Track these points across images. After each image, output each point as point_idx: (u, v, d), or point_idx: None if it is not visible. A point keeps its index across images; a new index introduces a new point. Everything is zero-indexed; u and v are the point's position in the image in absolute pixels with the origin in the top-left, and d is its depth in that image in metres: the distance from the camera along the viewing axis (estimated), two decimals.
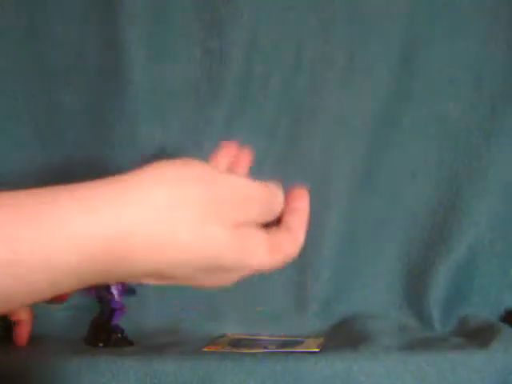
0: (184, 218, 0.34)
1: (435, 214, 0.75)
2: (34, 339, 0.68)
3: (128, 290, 0.71)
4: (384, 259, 0.76)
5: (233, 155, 0.51)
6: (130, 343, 0.68)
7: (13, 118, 0.79)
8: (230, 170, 0.48)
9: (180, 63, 0.78)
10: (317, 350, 0.62)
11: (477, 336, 0.64)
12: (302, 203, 0.47)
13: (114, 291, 0.69)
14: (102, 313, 0.73)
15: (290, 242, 0.41)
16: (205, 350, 0.64)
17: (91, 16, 0.78)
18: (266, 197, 0.42)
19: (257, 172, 0.78)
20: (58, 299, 0.72)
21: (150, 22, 0.77)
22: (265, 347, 0.64)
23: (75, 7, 0.78)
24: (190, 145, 0.78)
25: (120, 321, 0.70)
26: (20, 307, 0.31)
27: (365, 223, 0.76)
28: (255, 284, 0.76)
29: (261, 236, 0.38)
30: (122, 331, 0.69)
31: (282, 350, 0.62)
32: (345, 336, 0.68)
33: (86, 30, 0.79)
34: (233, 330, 0.74)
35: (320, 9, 0.77)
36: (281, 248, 0.40)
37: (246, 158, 0.52)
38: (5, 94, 0.79)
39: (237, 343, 0.67)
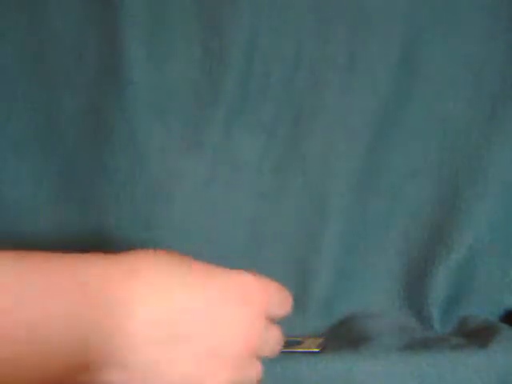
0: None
1: (435, 214, 0.75)
2: None
3: None
4: (384, 259, 0.75)
5: None
6: None
7: (13, 118, 0.79)
8: None
9: (180, 63, 0.78)
10: (317, 349, 0.62)
11: (477, 336, 0.63)
12: None
13: None
14: None
15: None
16: None
17: (91, 16, 0.78)
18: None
19: (256, 172, 0.78)
20: None
21: (150, 22, 0.77)
22: None
23: (75, 7, 0.78)
24: (190, 145, 0.78)
25: None
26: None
27: (365, 223, 0.76)
28: None
29: None
30: None
31: (281, 350, 0.62)
32: (345, 336, 0.68)
33: (86, 29, 0.79)
34: None
35: (320, 9, 0.77)
36: None
37: None
38: (5, 94, 0.79)
39: None
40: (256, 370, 0.41)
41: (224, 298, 0.38)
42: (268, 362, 0.57)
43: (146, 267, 0.36)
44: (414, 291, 0.74)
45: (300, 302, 0.76)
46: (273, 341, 0.43)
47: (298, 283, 0.76)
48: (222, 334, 0.37)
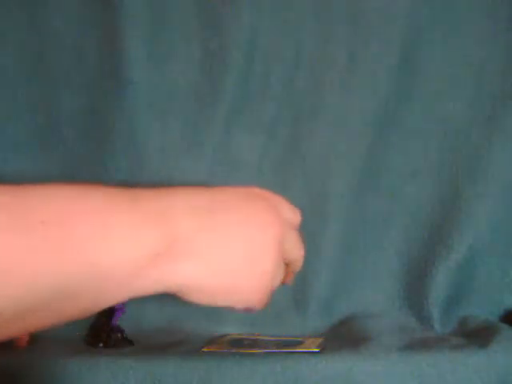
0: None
1: (435, 214, 0.75)
2: (34, 339, 0.68)
3: None
4: (384, 259, 0.76)
5: None
6: (130, 343, 0.68)
7: (13, 118, 0.79)
8: None
9: (180, 63, 0.78)
10: (317, 349, 0.62)
11: (477, 336, 0.64)
12: None
13: None
14: (102, 313, 0.73)
15: None
16: (205, 350, 0.64)
17: (91, 16, 0.78)
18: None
19: (256, 172, 0.78)
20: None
21: (149, 22, 0.77)
22: (265, 347, 0.64)
23: (75, 7, 0.78)
24: (190, 145, 0.78)
25: (120, 321, 0.70)
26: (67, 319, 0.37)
27: (365, 223, 0.76)
28: None
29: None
30: (122, 331, 0.69)
31: (282, 350, 0.62)
32: (345, 336, 0.68)
33: (86, 29, 0.79)
34: (233, 330, 0.74)
35: (320, 9, 0.77)
36: None
37: None
38: (5, 94, 0.79)
39: (237, 343, 0.67)
40: (282, 269, 0.46)
41: (245, 194, 0.45)
42: (268, 362, 0.57)
43: (178, 190, 0.42)
44: (414, 291, 0.74)
45: (300, 302, 0.76)
46: (295, 238, 0.47)
47: (298, 283, 0.76)
48: (253, 222, 0.43)
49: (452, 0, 0.75)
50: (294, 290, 0.76)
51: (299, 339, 0.68)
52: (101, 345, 0.67)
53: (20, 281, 0.32)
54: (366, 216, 0.76)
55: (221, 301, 0.43)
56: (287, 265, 0.48)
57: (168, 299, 0.76)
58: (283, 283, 0.53)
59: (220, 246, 0.41)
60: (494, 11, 0.75)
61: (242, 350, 0.63)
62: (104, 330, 0.69)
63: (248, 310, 0.48)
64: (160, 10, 0.78)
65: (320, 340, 0.67)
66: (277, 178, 0.78)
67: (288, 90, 0.78)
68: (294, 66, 0.78)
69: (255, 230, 0.43)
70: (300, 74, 0.78)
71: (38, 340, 0.69)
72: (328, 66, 0.77)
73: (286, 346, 0.64)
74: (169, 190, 0.41)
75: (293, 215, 0.48)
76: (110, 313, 0.69)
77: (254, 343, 0.66)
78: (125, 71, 0.77)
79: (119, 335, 0.68)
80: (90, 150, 0.79)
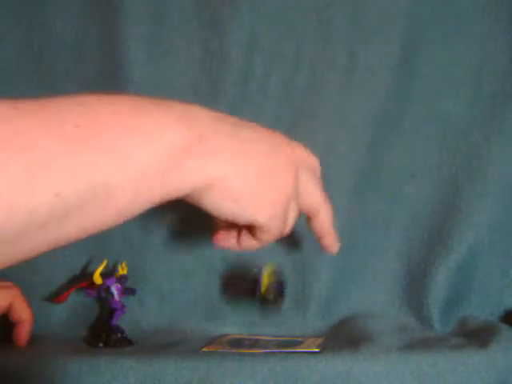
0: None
1: (435, 214, 0.75)
2: (34, 339, 0.68)
3: (128, 289, 0.71)
4: (384, 259, 0.76)
5: None
6: (130, 343, 0.68)
7: None
8: None
9: (180, 63, 0.78)
10: (317, 350, 0.62)
11: (477, 336, 0.63)
12: None
13: (114, 291, 0.69)
14: (102, 313, 0.73)
15: None
16: (205, 350, 0.64)
17: (91, 16, 0.78)
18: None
19: None
20: (58, 299, 0.72)
21: (149, 22, 0.77)
22: (265, 347, 0.64)
23: (75, 7, 0.78)
24: None
25: (120, 321, 0.70)
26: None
27: (364, 223, 0.76)
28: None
29: None
30: (122, 331, 0.69)
31: (282, 350, 0.62)
32: (345, 336, 0.68)
33: (86, 29, 0.79)
34: (233, 330, 0.74)
35: (320, 9, 0.77)
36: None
37: None
38: (5, 94, 0.79)
39: (237, 343, 0.67)
40: (296, 209, 0.48)
41: (262, 128, 0.48)
42: (268, 362, 0.57)
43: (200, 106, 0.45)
44: (414, 291, 0.74)
45: (300, 301, 0.76)
46: (309, 176, 0.50)
47: (298, 283, 0.76)
48: (273, 147, 0.46)
49: (452, 0, 0.75)
50: (294, 290, 0.76)
51: (299, 339, 0.68)
52: (101, 345, 0.67)
53: (59, 179, 0.33)
54: (366, 216, 0.76)
55: (240, 208, 0.43)
56: (311, 217, 0.52)
57: (168, 299, 0.76)
58: (325, 248, 0.56)
59: (243, 153, 0.43)
60: (494, 11, 0.75)
61: (241, 350, 0.63)
62: (104, 330, 0.69)
63: (266, 238, 0.49)
64: (160, 9, 0.78)
65: (320, 340, 0.67)
66: None
67: (288, 90, 0.78)
68: (294, 66, 0.78)
69: (276, 149, 0.46)
70: (300, 74, 0.78)
71: (38, 340, 0.69)
72: (328, 66, 0.77)
73: (286, 346, 0.64)
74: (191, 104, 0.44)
75: (307, 156, 0.52)
76: (110, 313, 0.69)
77: (254, 343, 0.66)
78: (125, 71, 0.77)
79: (119, 335, 0.68)
80: None
